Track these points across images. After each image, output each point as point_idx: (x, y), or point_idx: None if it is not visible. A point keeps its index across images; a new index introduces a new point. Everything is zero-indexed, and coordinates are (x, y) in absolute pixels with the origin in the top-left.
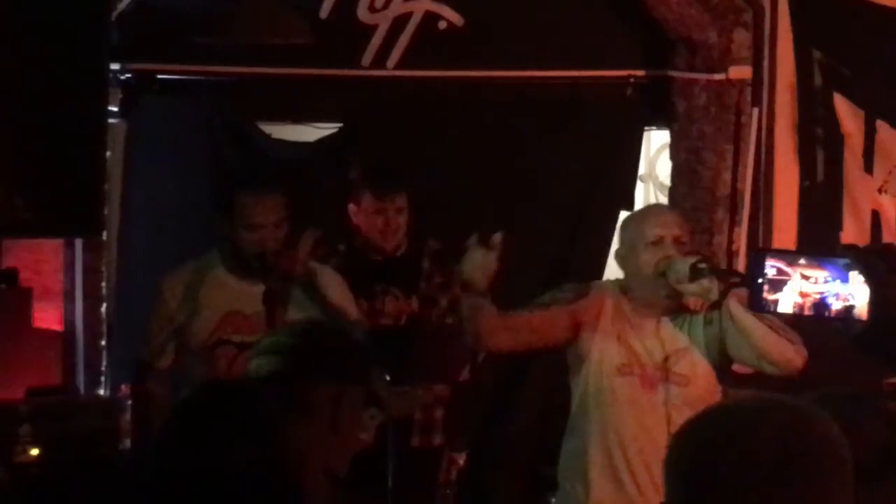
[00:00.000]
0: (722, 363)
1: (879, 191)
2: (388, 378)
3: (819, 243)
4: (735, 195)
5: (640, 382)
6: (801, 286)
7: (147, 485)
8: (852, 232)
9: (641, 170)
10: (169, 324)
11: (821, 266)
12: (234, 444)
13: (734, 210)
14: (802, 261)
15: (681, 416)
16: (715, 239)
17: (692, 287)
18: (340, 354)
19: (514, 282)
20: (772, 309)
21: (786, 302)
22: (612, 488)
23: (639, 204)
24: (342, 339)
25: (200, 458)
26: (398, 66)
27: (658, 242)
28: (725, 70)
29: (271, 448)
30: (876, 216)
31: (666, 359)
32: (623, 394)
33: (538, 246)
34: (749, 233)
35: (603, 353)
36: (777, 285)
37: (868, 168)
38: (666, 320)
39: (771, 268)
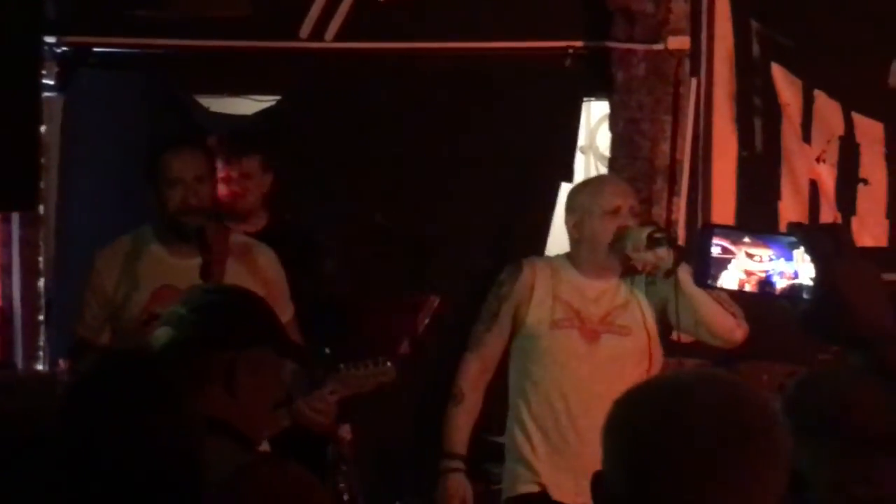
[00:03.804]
0: (661, 327)
1: (817, 160)
2: (327, 351)
3: (757, 213)
4: (674, 166)
5: (580, 334)
6: (745, 264)
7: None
8: (790, 202)
9: (582, 141)
10: (105, 300)
11: (766, 244)
12: (132, 412)
13: (673, 180)
14: (747, 239)
15: (622, 368)
16: (654, 209)
17: (648, 256)
18: (234, 320)
19: (457, 255)
20: (716, 285)
21: (730, 279)
22: (555, 441)
23: (579, 175)
24: (238, 305)
25: (99, 427)
26: (336, 38)
27: (616, 212)
28: (664, 40)
29: (169, 415)
30: (814, 186)
31: (607, 313)
32: (561, 346)
33: (480, 218)
34: (688, 203)
35: (538, 313)
36: (722, 263)
37: (806, 138)
38: (611, 281)
39: (716, 246)
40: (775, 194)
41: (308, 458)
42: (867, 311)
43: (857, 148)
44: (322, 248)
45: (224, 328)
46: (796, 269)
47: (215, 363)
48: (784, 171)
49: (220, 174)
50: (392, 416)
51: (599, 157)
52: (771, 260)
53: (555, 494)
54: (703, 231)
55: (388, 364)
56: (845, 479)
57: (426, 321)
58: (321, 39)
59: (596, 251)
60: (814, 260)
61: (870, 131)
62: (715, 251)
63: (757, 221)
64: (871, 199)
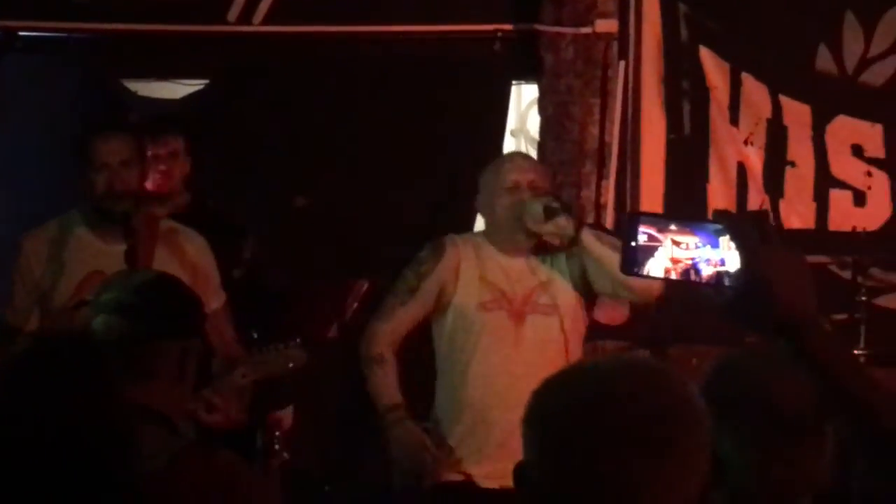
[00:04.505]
0: (587, 297)
1: (745, 143)
2: (255, 336)
3: (686, 196)
4: (602, 149)
5: (508, 315)
6: (672, 252)
7: None
8: (719, 184)
9: (512, 124)
10: (33, 284)
11: (692, 232)
12: (66, 396)
13: (602, 164)
14: (673, 226)
15: (546, 349)
16: (583, 193)
17: (548, 227)
18: (181, 310)
19: (387, 238)
20: (643, 273)
21: (657, 267)
22: (480, 426)
23: None
24: (179, 295)
25: (29, 408)
26: (264, 22)
27: (514, 188)
28: (592, 24)
29: (104, 400)
30: (742, 168)
31: (531, 292)
32: (489, 328)
33: (409, 201)
34: (617, 186)
35: (465, 295)
36: (648, 251)
37: (734, 120)
38: (530, 258)
39: (642, 234)
40: (703, 177)
41: (237, 444)
42: (791, 298)
43: (784, 130)
44: (243, 232)
45: (176, 317)
46: (722, 256)
47: (166, 352)
48: (712, 153)
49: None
50: (323, 400)
51: (530, 140)
52: (697, 247)
53: (480, 482)
54: (629, 219)
55: (299, 346)
56: (765, 461)
57: (355, 305)
58: (249, 23)
59: (504, 229)
60: (739, 247)
61: (797, 114)
62: (641, 239)
63: (685, 204)
64: (798, 181)
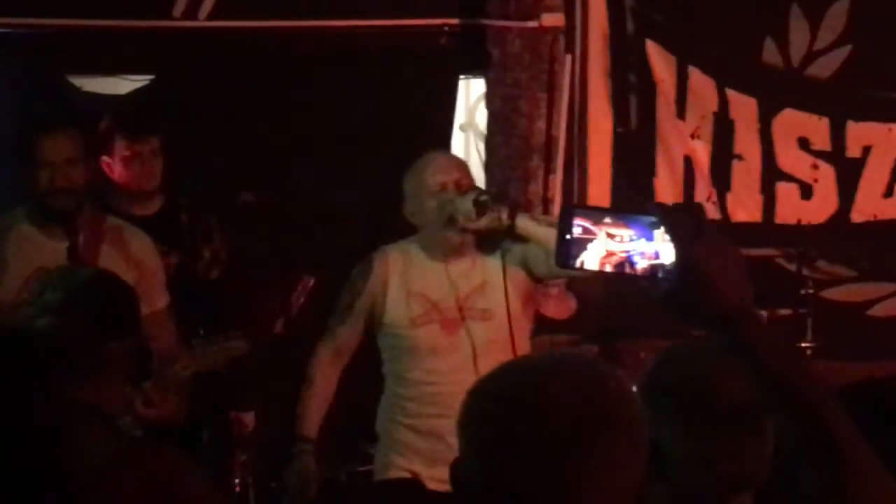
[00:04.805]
0: (530, 288)
1: (692, 136)
2: (201, 332)
3: (633, 189)
4: (550, 143)
5: (440, 328)
6: (606, 245)
7: None
8: (665, 178)
9: (462, 119)
10: None
11: (626, 224)
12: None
13: (549, 158)
14: (608, 219)
15: (487, 353)
16: (530, 187)
17: (483, 222)
18: (121, 309)
19: (333, 234)
20: (577, 266)
21: (591, 260)
22: (426, 432)
23: (458, 153)
24: (119, 293)
25: None
26: (210, 17)
27: (441, 189)
28: (538, 18)
29: (35, 398)
30: (689, 162)
31: (465, 298)
32: (423, 343)
33: (356, 197)
34: (564, 180)
35: (395, 312)
36: (582, 243)
37: (680, 114)
38: (464, 261)
39: (577, 227)
40: (650, 171)
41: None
42: (726, 290)
43: (731, 124)
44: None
45: (117, 317)
46: (657, 249)
47: (108, 352)
48: (659, 147)
49: (125, 153)
50: (271, 396)
51: (479, 134)
52: (632, 240)
53: (427, 484)
54: (563, 212)
55: (240, 337)
56: (707, 454)
57: (301, 301)
58: (195, 18)
59: (438, 233)
60: (673, 239)
61: (744, 107)
62: (576, 231)
63: (632, 198)
64: (745, 174)
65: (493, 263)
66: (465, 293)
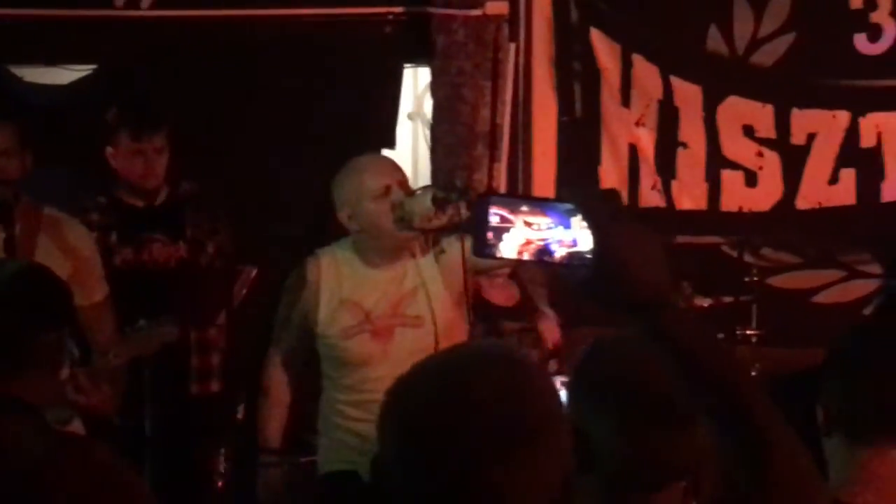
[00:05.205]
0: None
1: (637, 124)
2: (142, 323)
3: (578, 178)
4: (494, 131)
5: (371, 337)
6: (524, 233)
7: None
8: (610, 166)
9: (409, 108)
10: None
11: (543, 212)
12: None
13: (494, 146)
14: (525, 207)
15: (420, 357)
16: (475, 175)
17: (443, 219)
18: (52, 300)
19: (276, 225)
20: (495, 255)
21: (509, 248)
22: (362, 440)
23: (405, 142)
24: (50, 284)
25: None
26: (152, 7)
27: (387, 192)
28: (482, 6)
29: None
30: (633, 149)
31: (397, 304)
32: (354, 353)
33: (299, 187)
34: (509, 169)
35: (327, 323)
36: (500, 232)
37: (625, 102)
38: (397, 266)
39: (494, 215)
40: (595, 159)
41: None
42: (643, 276)
43: (676, 111)
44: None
45: (48, 307)
46: (574, 236)
47: (38, 344)
48: (604, 135)
49: (129, 148)
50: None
51: (427, 123)
52: (549, 228)
53: (366, 477)
54: (479, 201)
55: (171, 321)
56: (637, 446)
57: (243, 292)
58: (137, 8)
59: (380, 238)
60: (590, 226)
61: (688, 94)
62: (493, 220)
63: (578, 186)
64: (690, 162)
65: (427, 267)
66: (397, 299)
